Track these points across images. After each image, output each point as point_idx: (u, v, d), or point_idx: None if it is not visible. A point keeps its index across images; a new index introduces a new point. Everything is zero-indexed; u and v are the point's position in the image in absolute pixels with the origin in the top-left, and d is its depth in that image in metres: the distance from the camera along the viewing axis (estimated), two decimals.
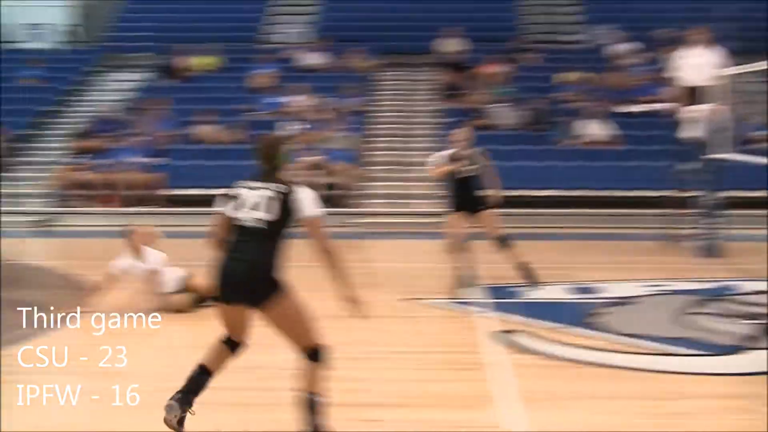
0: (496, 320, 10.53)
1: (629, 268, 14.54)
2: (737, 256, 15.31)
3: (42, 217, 20.44)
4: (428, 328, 10.53)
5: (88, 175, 21.12)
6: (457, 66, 25.24)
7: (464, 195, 12.88)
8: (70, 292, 11.25)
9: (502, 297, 11.75)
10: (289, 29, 28.56)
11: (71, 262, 14.82)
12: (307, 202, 6.59)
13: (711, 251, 15.37)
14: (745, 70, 16.03)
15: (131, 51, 27.79)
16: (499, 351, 9.16)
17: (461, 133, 13.10)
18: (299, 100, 23.36)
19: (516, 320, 10.51)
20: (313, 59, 26.13)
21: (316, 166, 20.58)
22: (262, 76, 25.08)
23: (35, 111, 25.04)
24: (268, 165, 6.71)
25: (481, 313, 10.93)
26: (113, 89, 26.42)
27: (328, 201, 20.59)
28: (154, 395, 7.00)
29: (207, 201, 19.63)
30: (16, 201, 21.15)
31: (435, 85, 25.61)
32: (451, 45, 26.14)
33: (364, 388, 7.92)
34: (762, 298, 11.40)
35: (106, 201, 20.70)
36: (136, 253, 11.23)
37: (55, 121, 25.16)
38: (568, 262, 15.13)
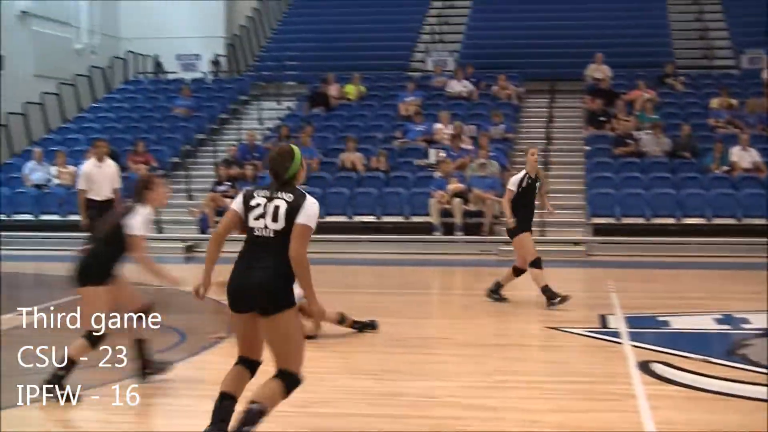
0: (639, 350, 10.33)
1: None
2: None
3: (190, 244, 20.91)
4: (570, 357, 10.39)
5: None
6: (605, 92, 24.98)
7: (531, 214, 13.41)
8: (218, 317, 11.43)
9: (645, 327, 11.53)
10: (437, 57, 28.66)
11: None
12: (305, 211, 6.61)
13: None
14: None
15: (279, 80, 28.27)
16: (643, 381, 8.97)
17: (534, 155, 13.30)
18: (445, 128, 23.44)
19: (660, 350, 10.30)
20: (460, 87, 26.18)
21: (459, 194, 20.60)
22: (408, 103, 25.23)
23: (186, 140, 25.70)
24: (280, 175, 6.77)
25: (625, 342, 10.75)
26: (261, 118, 26.91)
27: (472, 228, 20.76)
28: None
29: (358, 229, 20.01)
30: (166, 227, 21.75)
31: (582, 112, 25.40)
32: (599, 71, 25.92)
33: (497, 417, 7.86)
34: None
35: None
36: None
37: (205, 150, 25.75)
38: (714, 292, 14.82)
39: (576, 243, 20.31)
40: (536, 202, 13.43)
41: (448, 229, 20.80)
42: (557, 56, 27.59)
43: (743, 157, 21.62)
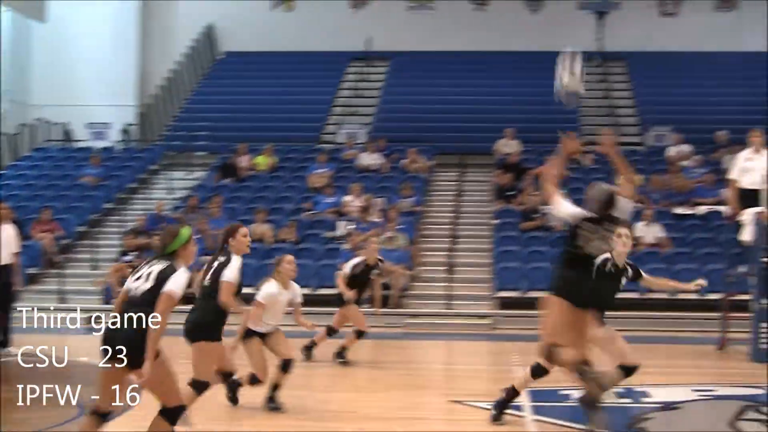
0: (541, 424, 10.35)
1: (679, 372, 14.28)
2: None
3: (92, 314, 20.53)
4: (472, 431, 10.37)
5: None
6: (514, 167, 25.26)
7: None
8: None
9: (548, 400, 11.55)
10: (349, 129, 28.81)
11: None
12: (174, 279, 7.47)
13: (762, 356, 15.07)
14: None
15: (190, 150, 28.11)
16: None
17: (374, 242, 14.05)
18: (354, 200, 23.49)
19: (561, 424, 10.33)
20: (370, 159, 26.31)
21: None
22: (319, 175, 25.26)
23: (94, 209, 25.41)
24: (162, 248, 7.76)
25: (528, 416, 10.76)
26: (170, 188, 26.74)
27: (380, 301, 20.72)
28: None
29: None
30: (68, 297, 21.40)
31: (491, 186, 25.64)
32: (509, 146, 26.23)
33: None
34: None
35: None
36: (284, 283, 11.46)
37: (112, 219, 25.48)
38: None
39: (482, 316, 20.38)
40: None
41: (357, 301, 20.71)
42: (468, 130, 27.89)
43: (647, 232, 21.96)
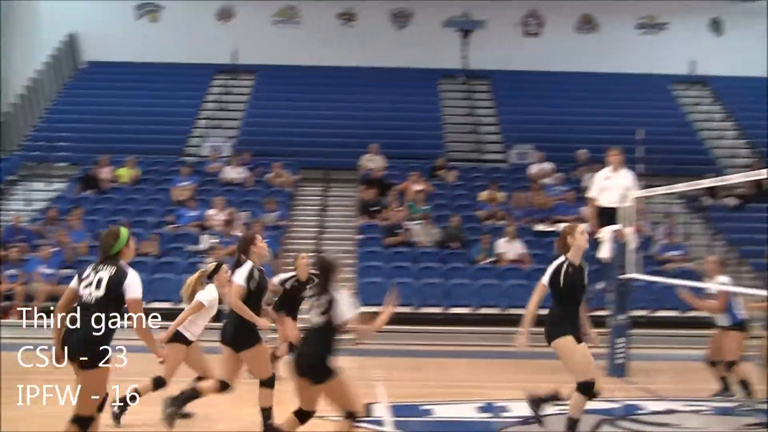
0: None
1: (539, 386, 14.44)
2: (643, 376, 15.36)
3: None
4: None
5: None
6: (378, 182, 25.36)
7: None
8: None
9: (409, 415, 11.60)
10: (213, 142, 28.56)
11: None
12: (131, 287, 8.20)
13: (618, 371, 15.40)
14: (656, 192, 16.31)
15: (50, 161, 27.48)
16: None
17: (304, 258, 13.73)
18: (218, 214, 23.29)
19: None
20: (234, 173, 26.14)
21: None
22: (182, 188, 24.98)
23: None
24: (105, 251, 8.33)
25: (387, 430, 10.78)
26: (29, 199, 26.13)
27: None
28: None
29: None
30: None
31: (355, 201, 25.69)
32: (374, 161, 26.33)
33: None
34: (666, 418, 11.40)
35: (14, 312, 20.20)
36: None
37: None
38: (477, 380, 15.08)
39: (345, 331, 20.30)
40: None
41: (217, 316, 20.50)
42: (333, 145, 27.94)
43: (509, 248, 22.27)
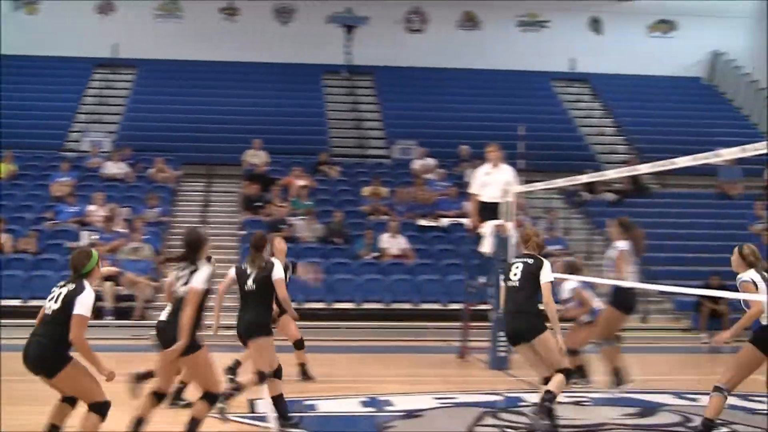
0: None
1: (422, 381, 14.57)
2: (526, 368, 15.51)
3: None
4: None
5: None
6: (261, 178, 25.24)
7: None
8: None
9: (293, 411, 11.54)
10: (93, 137, 28.12)
11: None
12: (80, 302, 8.36)
13: (500, 363, 15.57)
14: (537, 188, 16.52)
15: None
16: None
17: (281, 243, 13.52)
18: (98, 210, 22.92)
19: None
20: (116, 168, 25.76)
21: (111, 277, 20.08)
22: (61, 184, 24.52)
23: None
24: (76, 269, 8.60)
25: (272, 427, 10.73)
26: None
27: (123, 313, 20.34)
28: None
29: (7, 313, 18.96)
30: None
31: (238, 197, 25.53)
32: (257, 156, 26.19)
33: None
34: None
35: None
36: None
37: None
38: (363, 375, 15.10)
39: (228, 327, 20.16)
40: None
41: (98, 313, 20.24)
42: (215, 141, 27.71)
43: (392, 243, 22.38)
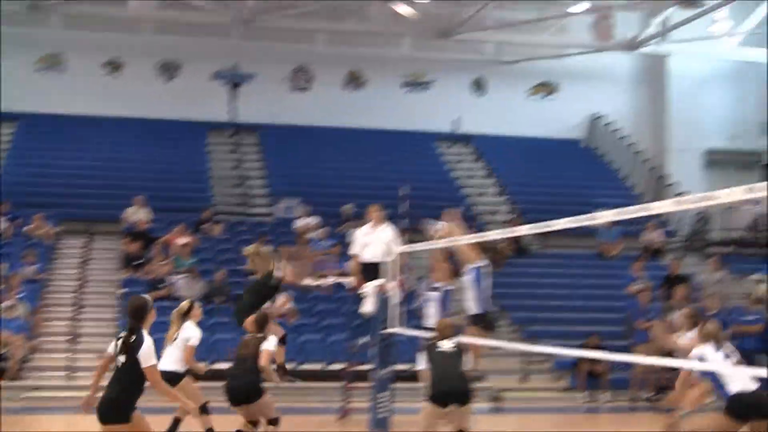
0: None
1: None
2: (405, 428, 15.49)
3: None
4: None
5: None
6: (142, 235, 24.92)
7: None
8: None
9: None
10: None
11: None
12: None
13: (381, 424, 15.50)
14: (419, 247, 16.58)
15: None
16: None
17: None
18: None
19: None
20: None
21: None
22: None
23: None
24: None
25: None
26: None
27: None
28: None
29: None
30: None
31: (119, 254, 25.14)
32: (138, 214, 25.86)
33: None
34: None
35: None
36: None
37: None
38: None
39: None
40: None
41: None
42: (96, 197, 27.32)
43: (276, 302, 22.17)
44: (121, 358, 8.97)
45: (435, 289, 15.28)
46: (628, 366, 21.12)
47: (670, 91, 35.25)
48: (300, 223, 26.77)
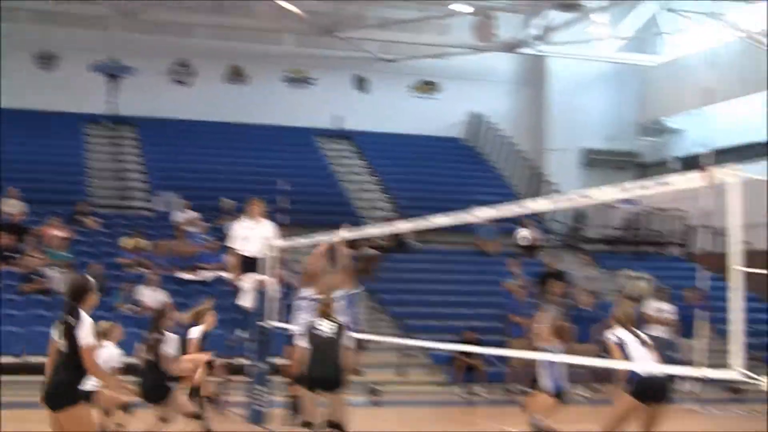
0: None
1: None
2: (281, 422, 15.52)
3: None
4: None
5: None
6: (16, 227, 24.40)
7: None
8: None
9: None
10: None
11: None
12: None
13: (257, 418, 15.48)
14: (298, 243, 16.58)
15: None
16: None
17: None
18: None
19: None
20: None
21: None
22: None
23: None
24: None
25: None
26: None
27: None
28: None
29: None
30: None
31: None
32: (11, 205, 25.33)
33: None
34: None
35: None
36: None
37: None
38: None
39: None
40: None
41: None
42: None
43: (151, 296, 21.97)
44: (62, 342, 8.68)
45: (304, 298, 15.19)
46: (504, 360, 21.43)
47: (549, 91, 35.87)
48: (179, 216, 26.52)
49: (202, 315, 13.93)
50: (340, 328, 12.48)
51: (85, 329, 8.55)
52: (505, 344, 21.37)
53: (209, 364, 14.06)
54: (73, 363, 8.61)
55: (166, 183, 29.02)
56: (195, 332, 13.72)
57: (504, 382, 21.75)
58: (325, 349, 12.15)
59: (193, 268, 23.93)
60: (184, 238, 24.99)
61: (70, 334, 8.54)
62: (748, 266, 7.35)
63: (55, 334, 8.81)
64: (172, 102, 32.76)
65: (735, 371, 7.18)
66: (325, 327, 12.39)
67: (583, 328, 22.22)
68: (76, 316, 8.61)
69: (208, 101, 32.99)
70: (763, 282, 9.08)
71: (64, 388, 8.67)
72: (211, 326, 13.98)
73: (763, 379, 7.10)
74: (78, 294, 8.82)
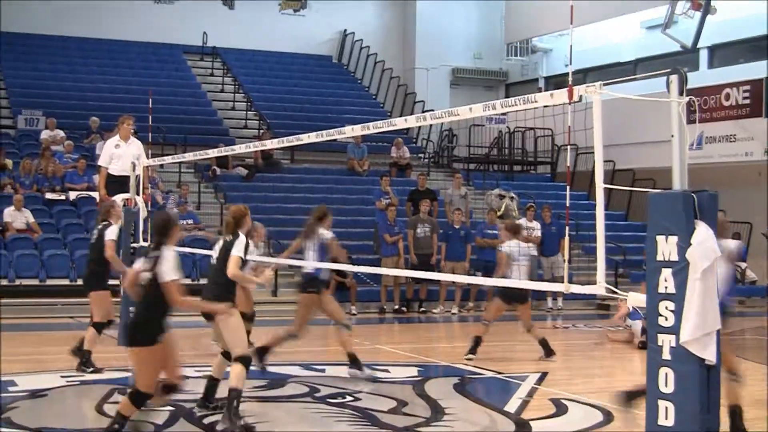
0: None
1: (48, 359, 14.16)
2: None
3: None
4: None
5: None
6: None
7: None
8: None
9: None
10: None
11: None
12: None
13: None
14: (168, 161, 16.39)
15: None
16: None
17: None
18: None
19: None
20: None
21: None
22: None
23: None
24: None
25: None
26: None
27: None
28: None
29: None
30: None
31: None
32: None
33: None
34: None
35: None
36: None
37: None
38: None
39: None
40: None
41: None
42: None
43: (16, 217, 21.52)
44: (146, 275, 8.39)
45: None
46: (376, 278, 21.62)
47: (416, 9, 35.78)
48: (44, 135, 25.92)
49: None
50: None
51: (168, 264, 8.32)
52: (377, 263, 21.58)
53: None
54: (155, 297, 8.37)
55: (29, 101, 28.27)
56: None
57: (377, 301, 22.01)
58: (212, 272, 11.86)
59: (59, 188, 23.48)
60: (50, 158, 24.42)
61: (154, 268, 8.32)
62: (614, 184, 7.51)
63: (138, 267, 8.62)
64: (33, 16, 31.71)
65: (600, 287, 7.33)
66: (218, 246, 11.93)
67: (455, 246, 22.56)
68: (162, 251, 8.38)
69: (72, 16, 32.03)
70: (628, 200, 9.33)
71: (143, 325, 8.43)
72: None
73: (626, 294, 7.27)
74: (164, 229, 8.59)
